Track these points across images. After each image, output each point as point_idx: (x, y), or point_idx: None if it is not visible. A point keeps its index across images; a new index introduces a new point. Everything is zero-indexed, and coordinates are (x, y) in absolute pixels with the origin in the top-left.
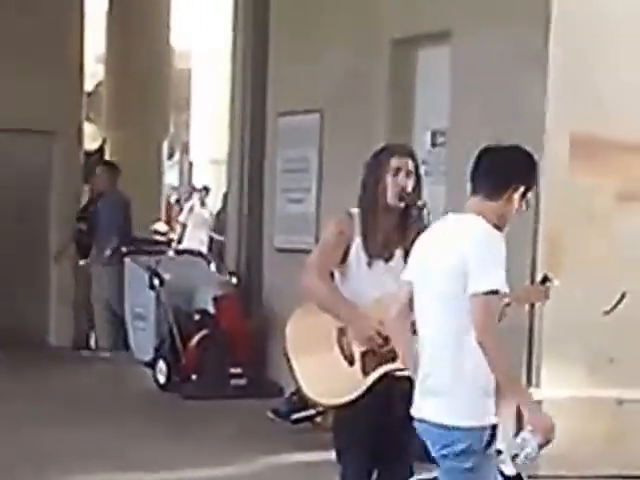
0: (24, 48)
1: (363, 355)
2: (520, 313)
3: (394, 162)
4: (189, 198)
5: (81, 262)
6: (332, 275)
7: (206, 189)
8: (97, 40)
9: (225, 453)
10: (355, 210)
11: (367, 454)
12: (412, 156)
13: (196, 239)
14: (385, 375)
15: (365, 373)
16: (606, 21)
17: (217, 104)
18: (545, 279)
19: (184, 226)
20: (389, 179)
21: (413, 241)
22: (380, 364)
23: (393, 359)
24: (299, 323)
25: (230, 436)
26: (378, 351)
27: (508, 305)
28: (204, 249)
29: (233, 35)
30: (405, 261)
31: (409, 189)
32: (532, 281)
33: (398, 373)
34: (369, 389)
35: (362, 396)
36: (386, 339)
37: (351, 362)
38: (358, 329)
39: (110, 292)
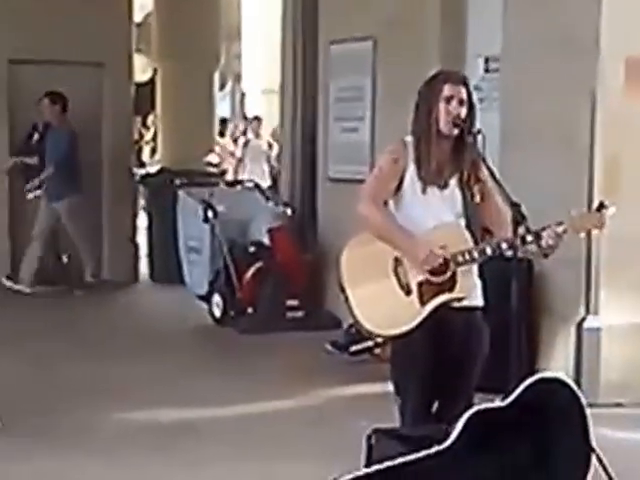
0: None
1: (420, 285)
2: (577, 240)
3: (447, 89)
4: (244, 132)
5: (29, 196)
6: (386, 204)
7: (257, 119)
8: None
9: (282, 387)
10: (409, 138)
11: (426, 386)
12: (465, 83)
13: (256, 172)
14: (442, 305)
15: (422, 303)
16: None
17: (268, 33)
18: (601, 206)
19: (240, 160)
20: (442, 106)
21: (468, 168)
22: (437, 294)
23: (450, 289)
24: (354, 253)
25: (287, 369)
26: (435, 280)
27: (565, 232)
28: (266, 182)
29: None
30: (460, 189)
31: (462, 116)
32: (589, 207)
33: (456, 303)
34: (426, 319)
35: (419, 326)
36: (445, 268)
37: (408, 292)
38: (415, 256)
39: (45, 227)
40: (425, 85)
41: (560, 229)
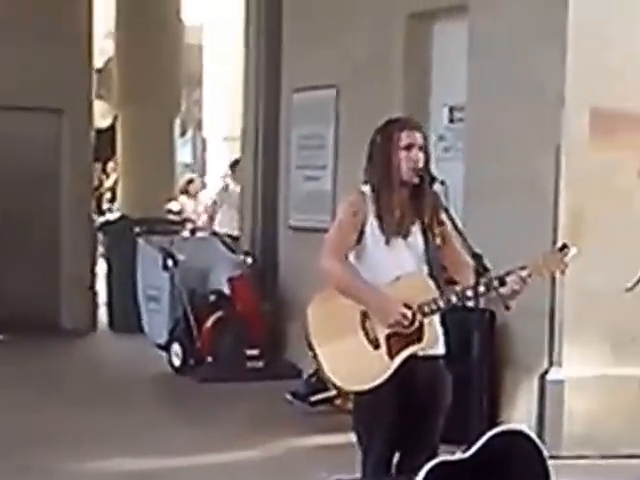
0: (32, 24)
1: (388, 338)
2: (541, 291)
3: (405, 137)
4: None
5: None
6: (346, 257)
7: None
8: (106, 16)
9: (242, 437)
10: (366, 188)
11: (390, 438)
12: (421, 129)
13: (230, 218)
14: (410, 356)
15: (391, 356)
16: None
17: (230, 80)
18: (564, 247)
19: (215, 203)
20: (402, 154)
21: (429, 215)
22: (406, 345)
23: (419, 339)
24: (320, 308)
25: (247, 419)
26: (403, 332)
27: (529, 276)
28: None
29: (246, 10)
30: (422, 234)
31: (421, 164)
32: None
33: (420, 352)
34: (395, 372)
35: (387, 379)
36: (412, 320)
37: (376, 346)
38: (381, 312)
39: None
40: (380, 134)
41: (524, 273)
